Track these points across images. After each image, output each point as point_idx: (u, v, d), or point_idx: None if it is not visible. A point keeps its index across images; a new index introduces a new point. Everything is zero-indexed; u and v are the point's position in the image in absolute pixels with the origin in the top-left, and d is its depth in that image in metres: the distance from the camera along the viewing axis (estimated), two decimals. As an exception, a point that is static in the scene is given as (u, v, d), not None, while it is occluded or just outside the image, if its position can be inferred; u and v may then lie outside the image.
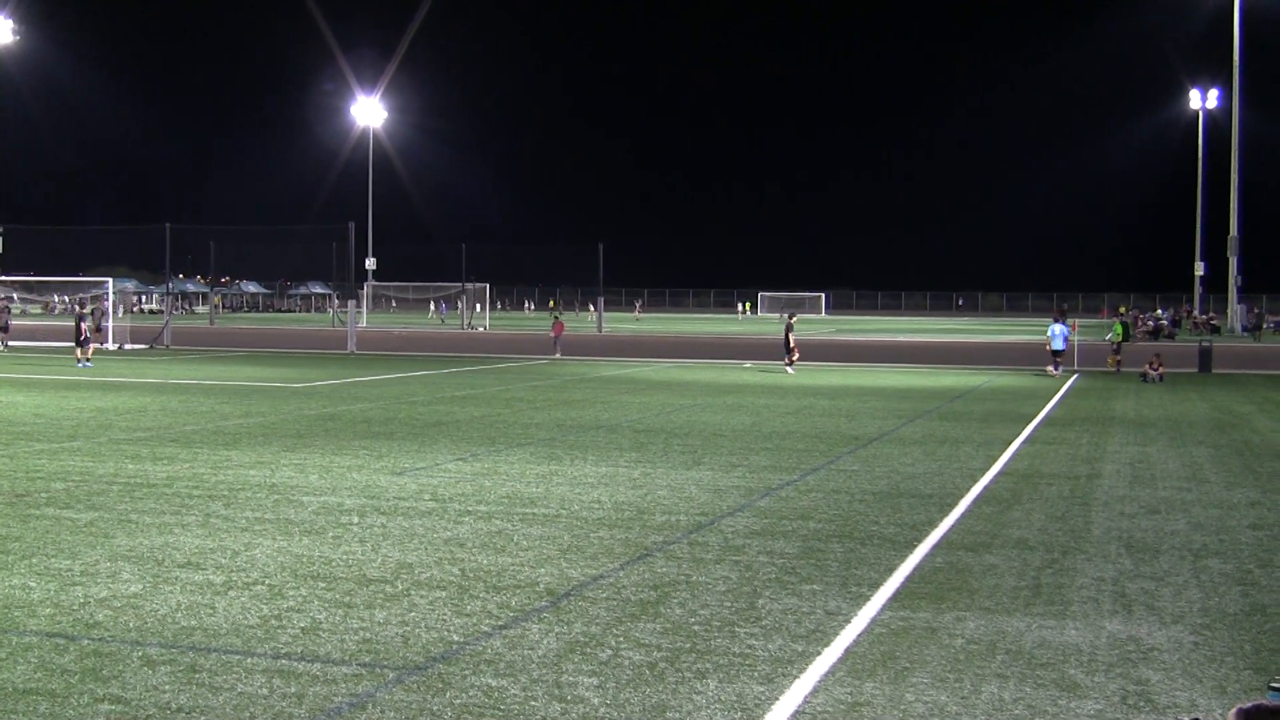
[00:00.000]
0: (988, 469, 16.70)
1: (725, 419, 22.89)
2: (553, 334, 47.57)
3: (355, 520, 12.45)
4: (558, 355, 45.38)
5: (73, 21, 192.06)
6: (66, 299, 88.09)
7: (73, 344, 38.09)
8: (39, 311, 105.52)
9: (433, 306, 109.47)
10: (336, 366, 38.09)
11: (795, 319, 39.43)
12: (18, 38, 71.67)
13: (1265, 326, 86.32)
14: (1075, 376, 36.40)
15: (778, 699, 7.22)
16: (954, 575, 10.39)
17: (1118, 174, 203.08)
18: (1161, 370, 34.41)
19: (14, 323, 51.64)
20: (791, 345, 37.40)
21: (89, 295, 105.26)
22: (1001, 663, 7.95)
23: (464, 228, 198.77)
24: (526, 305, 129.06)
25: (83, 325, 37.36)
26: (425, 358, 43.96)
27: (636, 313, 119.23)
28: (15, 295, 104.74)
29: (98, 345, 46.38)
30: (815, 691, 7.36)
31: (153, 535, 11.54)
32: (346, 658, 7.88)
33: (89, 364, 36.43)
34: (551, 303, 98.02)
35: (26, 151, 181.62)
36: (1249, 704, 4.16)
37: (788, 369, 36.86)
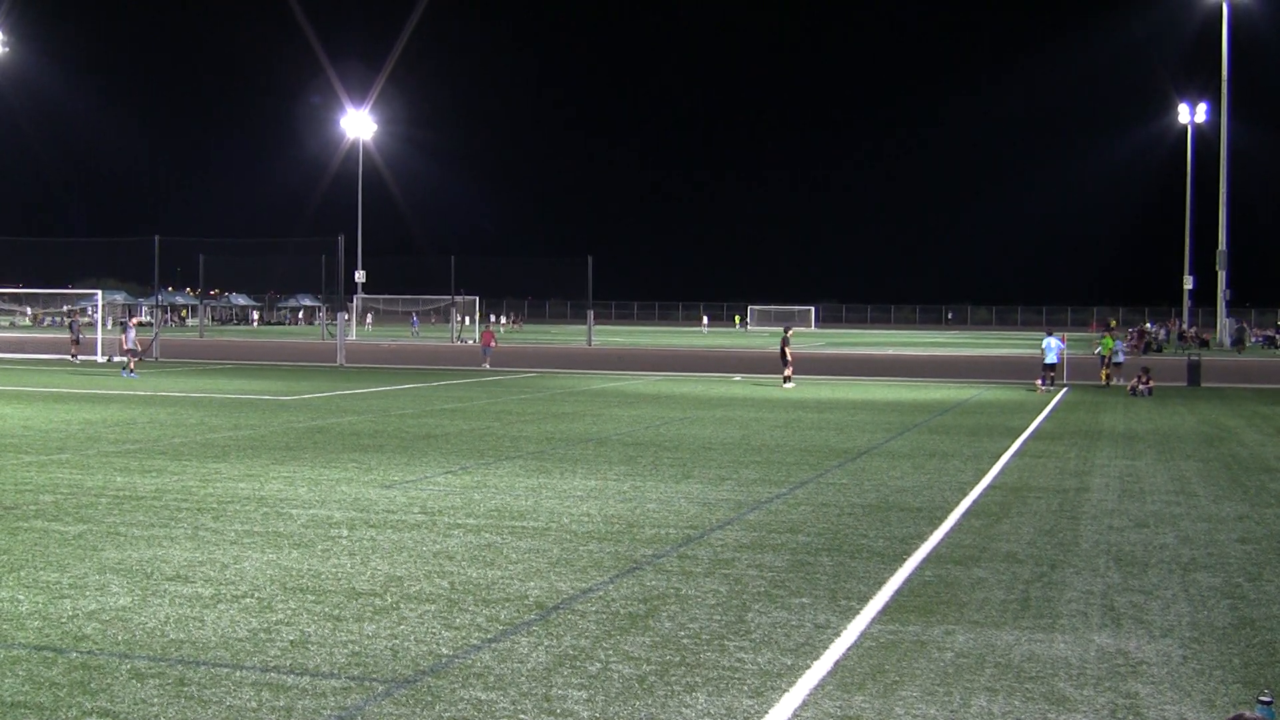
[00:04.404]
0: (977, 482, 16.73)
1: (714, 432, 22.90)
2: (481, 343, 47.94)
3: (344, 533, 12.43)
4: (485, 365, 45.51)
5: (60, 34, 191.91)
6: (69, 309, 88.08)
7: (121, 356, 39.50)
8: (26, 324, 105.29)
9: (370, 317, 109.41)
10: (325, 379, 38.05)
11: (791, 332, 39.20)
12: (6, 49, 71.65)
13: (1253, 341, 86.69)
14: (1065, 390, 36.48)
15: (767, 712, 7.23)
16: (943, 589, 10.40)
17: (1107, 188, 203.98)
18: (1150, 384, 34.51)
19: (1, 335, 51.63)
20: (788, 359, 37.16)
21: (133, 308, 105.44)
22: (991, 676, 7.96)
23: (454, 240, 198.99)
24: (493, 318, 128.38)
25: (127, 336, 38.55)
26: (414, 370, 43.93)
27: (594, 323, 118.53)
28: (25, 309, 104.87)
29: (86, 357, 46.36)
30: (804, 705, 7.36)
31: (141, 548, 11.51)
32: (335, 671, 7.87)
33: (134, 375, 37.14)
34: (468, 316, 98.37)
35: (14, 163, 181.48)
36: (1232, 716, 4.18)
37: (785, 383, 36.65)
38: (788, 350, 37.21)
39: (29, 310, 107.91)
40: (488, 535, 12.42)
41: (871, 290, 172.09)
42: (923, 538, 12.65)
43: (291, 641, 8.50)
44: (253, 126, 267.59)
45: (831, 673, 7.99)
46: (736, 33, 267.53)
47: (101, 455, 18.16)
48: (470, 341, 76.59)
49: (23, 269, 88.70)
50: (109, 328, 60.76)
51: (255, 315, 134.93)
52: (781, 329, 39.99)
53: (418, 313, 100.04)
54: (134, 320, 42.71)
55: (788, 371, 37.01)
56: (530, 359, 54.30)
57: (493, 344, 47.82)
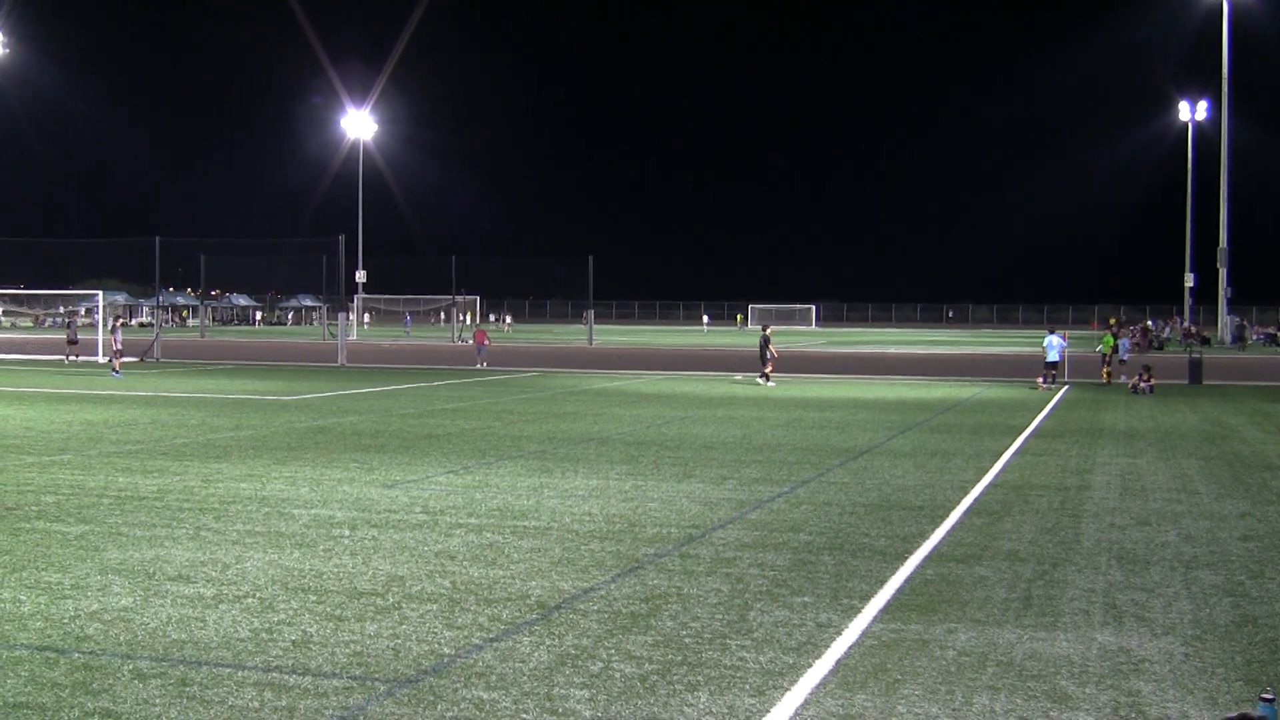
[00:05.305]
0: (978, 481, 16.73)
1: (716, 431, 22.90)
2: (474, 342, 48.08)
3: (346, 533, 12.43)
4: (483, 364, 45.62)
5: (61, 34, 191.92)
6: (67, 310, 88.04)
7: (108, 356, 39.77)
8: (28, 325, 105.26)
9: (368, 317, 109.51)
10: (326, 379, 38.05)
11: (771, 330, 39.36)
12: (7, 50, 71.66)
13: (1253, 339, 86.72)
14: (1066, 388, 36.47)
15: (769, 711, 7.23)
16: (945, 587, 10.40)
17: (1108, 186, 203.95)
18: (1152, 382, 34.50)
19: (2, 335, 51.64)
20: (769, 357, 37.19)
21: (134, 308, 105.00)
22: (993, 674, 7.96)
23: (454, 240, 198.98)
24: (493, 318, 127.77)
25: (115, 336, 38.98)
26: (415, 370, 43.94)
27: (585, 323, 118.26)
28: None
29: (86, 357, 46.38)
30: (806, 704, 7.36)
31: (143, 548, 11.52)
32: (337, 670, 7.87)
33: (119, 374, 37.36)
34: (469, 315, 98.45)
35: (14, 163, 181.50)
36: (1234, 715, 4.18)
37: (762, 381, 36.67)
38: (770, 349, 37.28)
39: None
40: (489, 535, 12.43)
41: (872, 289, 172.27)
42: (924, 536, 12.65)
43: (293, 641, 8.50)
44: (253, 126, 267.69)
45: (833, 671, 7.99)
46: (736, 32, 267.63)
47: (103, 456, 18.16)
48: (470, 341, 76.60)
49: (23, 269, 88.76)
50: (109, 328, 60.90)
51: (258, 315, 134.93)
52: (760, 328, 40.07)
53: (410, 313, 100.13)
54: (120, 320, 42.88)
55: (768, 369, 37.06)
56: (531, 358, 54.31)
57: (486, 343, 48.08)
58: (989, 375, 43.66)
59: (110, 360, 39.07)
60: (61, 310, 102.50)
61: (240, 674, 7.77)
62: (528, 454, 19.09)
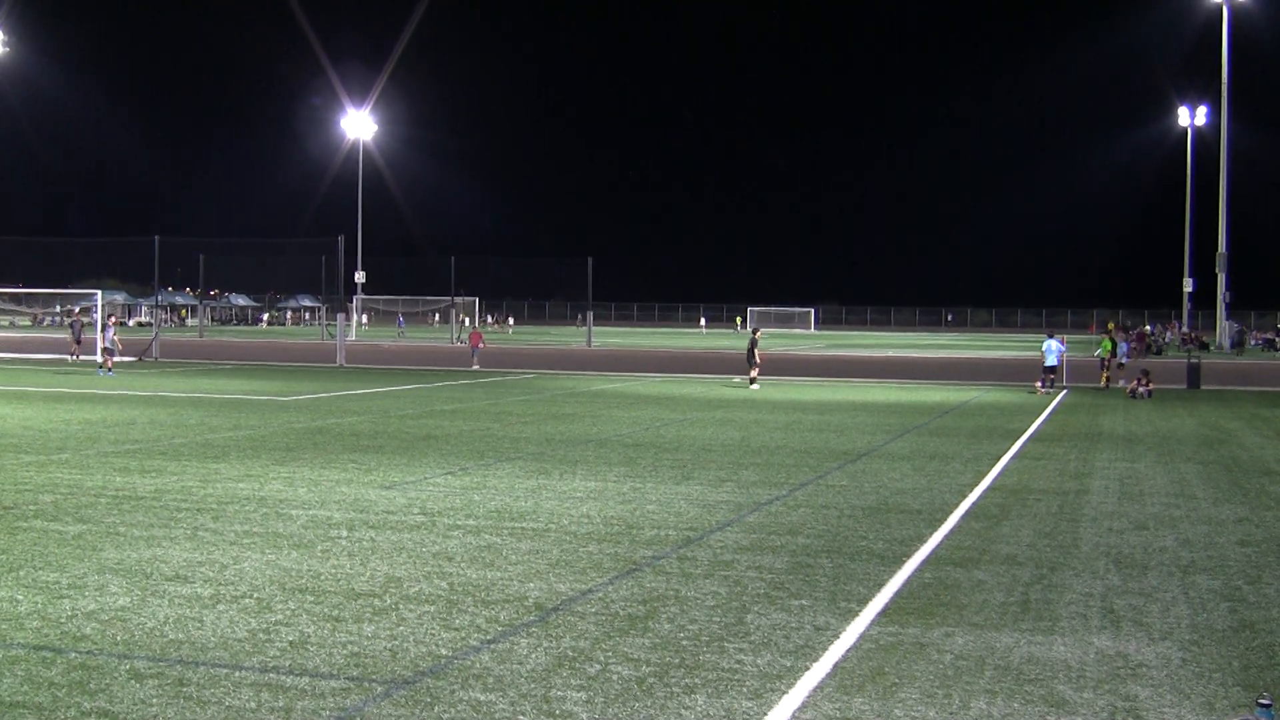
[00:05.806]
0: (976, 484, 16.72)
1: (714, 434, 22.90)
2: (470, 344, 48.24)
3: (344, 534, 12.43)
4: (475, 365, 45.78)
5: (61, 34, 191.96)
6: (69, 309, 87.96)
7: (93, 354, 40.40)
8: (26, 323, 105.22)
9: (366, 318, 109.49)
10: (325, 380, 38.04)
11: (760, 334, 39.55)
12: (7, 49, 71.64)
13: (1252, 344, 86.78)
14: (1064, 392, 36.47)
15: (766, 714, 7.22)
16: (943, 591, 10.40)
17: (1107, 190, 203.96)
18: (1150, 386, 34.51)
19: (1, 334, 51.65)
20: (756, 360, 37.23)
21: (133, 308, 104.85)
22: (990, 678, 7.96)
23: (454, 240, 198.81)
24: (490, 319, 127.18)
25: (108, 335, 39.53)
26: (414, 371, 43.94)
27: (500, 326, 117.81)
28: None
29: (87, 357, 46.35)
30: (804, 707, 7.36)
31: (141, 548, 11.51)
32: (334, 671, 7.87)
33: (111, 372, 37.86)
34: (466, 317, 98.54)
35: (15, 163, 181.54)
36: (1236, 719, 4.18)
37: (750, 385, 36.71)
38: (757, 352, 37.36)
39: None
40: (487, 536, 12.42)
41: (871, 292, 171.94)
42: (922, 540, 12.65)
43: (291, 642, 8.50)
44: (253, 126, 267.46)
45: (831, 675, 7.98)
46: (737, 34, 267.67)
47: (101, 455, 18.15)
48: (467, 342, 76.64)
49: (23, 269, 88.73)
50: (100, 327, 60.89)
51: (264, 317, 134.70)
52: (750, 330, 40.20)
53: (406, 314, 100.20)
54: (113, 319, 43.08)
55: (754, 373, 37.09)
56: (530, 360, 54.31)
57: (481, 344, 48.24)
58: (987, 379, 43.67)
59: (103, 361, 39.16)
60: (58, 309, 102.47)
61: (237, 674, 7.76)
62: (526, 455, 19.09)
